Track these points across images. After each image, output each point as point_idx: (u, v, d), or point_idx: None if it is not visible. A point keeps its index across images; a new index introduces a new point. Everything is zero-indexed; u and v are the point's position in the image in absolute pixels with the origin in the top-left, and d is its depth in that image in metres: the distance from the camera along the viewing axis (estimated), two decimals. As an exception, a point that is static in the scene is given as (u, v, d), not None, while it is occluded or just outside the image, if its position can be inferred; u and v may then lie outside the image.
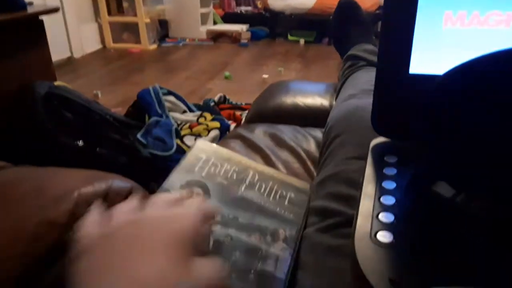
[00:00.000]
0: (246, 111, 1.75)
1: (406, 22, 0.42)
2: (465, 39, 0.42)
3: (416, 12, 0.42)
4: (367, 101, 0.64)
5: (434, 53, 0.43)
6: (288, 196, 0.53)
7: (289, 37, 3.86)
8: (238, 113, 1.95)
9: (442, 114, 0.38)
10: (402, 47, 0.43)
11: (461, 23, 0.42)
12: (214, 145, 0.59)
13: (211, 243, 0.44)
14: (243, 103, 2.14)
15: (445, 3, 0.42)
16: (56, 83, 1.57)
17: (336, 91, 0.95)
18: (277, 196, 0.52)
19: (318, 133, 0.83)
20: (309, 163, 0.72)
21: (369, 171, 0.44)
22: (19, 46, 1.50)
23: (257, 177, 0.54)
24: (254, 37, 3.87)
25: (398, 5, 0.43)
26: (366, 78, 0.81)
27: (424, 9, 0.42)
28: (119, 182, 0.56)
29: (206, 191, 0.51)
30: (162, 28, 3.81)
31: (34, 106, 1.34)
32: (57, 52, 2.76)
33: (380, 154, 0.46)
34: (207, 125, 1.73)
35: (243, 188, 0.52)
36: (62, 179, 0.54)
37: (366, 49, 1.00)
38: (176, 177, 0.52)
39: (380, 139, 0.49)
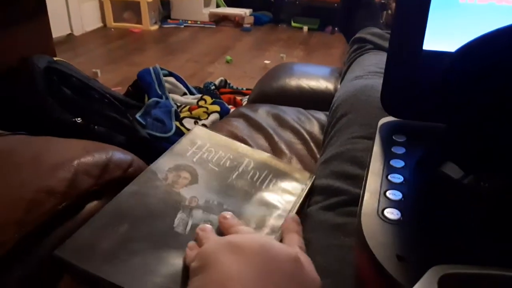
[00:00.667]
0: (247, 96, 1.73)
1: None
2: (482, 15, 0.41)
3: None
4: (375, 81, 0.63)
5: (449, 29, 0.42)
6: (282, 185, 0.52)
7: (293, 24, 3.82)
8: (238, 97, 1.93)
9: (454, 92, 0.37)
10: (416, 21, 0.42)
11: (480, -3, 0.40)
12: (212, 132, 0.58)
13: (189, 227, 0.43)
14: (244, 88, 2.12)
15: (462, -23, 0.40)
16: (56, 59, 1.55)
17: (342, 74, 0.94)
18: (271, 185, 0.51)
19: (322, 116, 0.82)
20: (312, 144, 0.71)
21: (377, 149, 0.43)
22: (19, 19, 1.48)
23: (252, 165, 0.54)
24: (257, 22, 3.82)
25: None
26: (373, 61, 0.79)
27: (441, -17, 0.40)
28: (119, 154, 0.55)
29: (194, 176, 0.51)
30: (164, 9, 3.76)
31: (33, 79, 1.32)
32: (57, 29, 2.71)
33: (388, 133, 0.45)
34: (207, 108, 1.71)
35: (234, 176, 0.51)
36: (61, 148, 0.53)
37: (374, 33, 0.98)
38: (166, 160, 0.52)
39: (389, 118, 0.48)
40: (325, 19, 3.73)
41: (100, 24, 3.44)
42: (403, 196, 0.35)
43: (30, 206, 0.43)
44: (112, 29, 3.39)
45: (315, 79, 0.95)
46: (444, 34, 0.42)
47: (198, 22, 3.74)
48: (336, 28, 3.63)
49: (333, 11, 3.60)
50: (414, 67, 0.44)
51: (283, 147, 0.69)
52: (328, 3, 3.56)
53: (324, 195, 0.48)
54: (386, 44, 0.91)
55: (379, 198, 0.35)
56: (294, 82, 0.95)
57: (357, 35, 1.03)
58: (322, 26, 3.74)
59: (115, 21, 3.44)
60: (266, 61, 2.68)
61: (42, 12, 1.64)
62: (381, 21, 1.28)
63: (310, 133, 0.75)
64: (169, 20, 3.75)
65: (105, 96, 1.53)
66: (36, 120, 1.31)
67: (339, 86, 0.93)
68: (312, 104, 0.89)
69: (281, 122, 0.78)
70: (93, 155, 0.52)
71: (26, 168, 0.48)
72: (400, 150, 0.42)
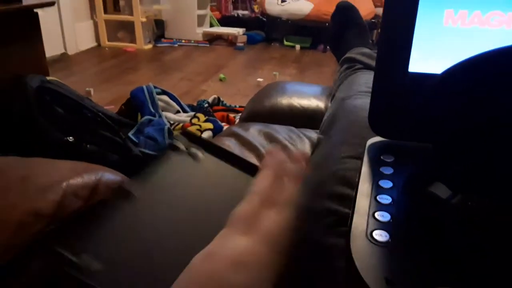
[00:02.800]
0: (240, 114, 1.74)
1: (407, 20, 0.42)
2: (466, 39, 0.42)
3: (417, 10, 0.42)
4: (364, 101, 0.64)
5: (434, 51, 0.43)
6: None
7: (285, 42, 3.87)
8: (231, 115, 1.94)
9: (440, 113, 0.37)
10: (402, 44, 0.43)
11: (462, 22, 0.41)
12: None
13: None
14: (237, 106, 2.13)
15: (446, 1, 0.41)
16: (49, 78, 1.55)
17: (332, 93, 0.95)
18: None
19: (313, 134, 0.83)
20: (303, 163, 0.71)
21: (365, 169, 0.43)
22: (12, 38, 1.48)
23: None
24: (250, 41, 3.87)
25: (399, 2, 0.42)
26: (362, 81, 0.80)
27: (425, 6, 0.42)
28: (109, 175, 0.55)
29: None
30: (158, 28, 3.80)
31: (25, 99, 1.31)
32: (51, 48, 2.73)
33: (376, 153, 0.46)
34: (200, 126, 1.71)
35: None
36: (50, 170, 0.53)
37: (363, 53, 1.00)
38: None
39: (377, 139, 0.49)
40: (317, 37, 3.78)
41: (94, 44, 3.46)
42: (391, 218, 0.34)
43: (17, 229, 0.42)
44: (106, 48, 3.41)
45: (306, 97, 0.96)
46: (429, 57, 0.43)
47: (192, 41, 3.77)
48: (327, 47, 3.68)
49: (324, 29, 3.65)
50: (400, 88, 0.45)
51: (274, 166, 0.69)
52: (320, 22, 3.62)
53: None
54: (375, 63, 0.92)
55: (367, 220, 0.34)
56: (285, 100, 0.95)
57: (347, 55, 1.05)
58: (314, 45, 3.79)
59: (109, 40, 3.46)
60: (259, 79, 2.70)
61: (36, 31, 1.65)
62: (371, 41, 1.30)
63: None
64: (163, 40, 3.78)
65: (97, 115, 1.53)
66: (28, 140, 1.30)
67: (329, 105, 0.94)
68: (303, 122, 0.90)
69: (273, 141, 0.78)
70: (82, 176, 0.51)
71: (14, 190, 0.47)
72: (388, 171, 0.42)
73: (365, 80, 0.80)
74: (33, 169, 0.53)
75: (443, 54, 0.43)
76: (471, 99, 0.34)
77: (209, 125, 1.71)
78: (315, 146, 0.66)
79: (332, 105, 0.78)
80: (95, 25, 3.43)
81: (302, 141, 0.80)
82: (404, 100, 0.44)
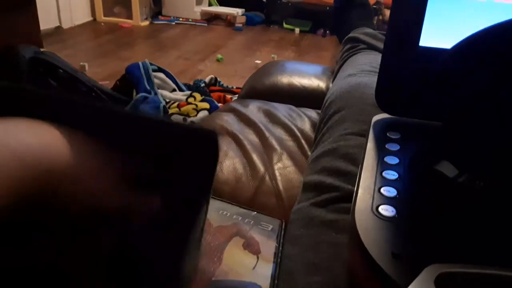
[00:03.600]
0: (237, 95, 1.72)
1: None
2: (480, 12, 0.40)
3: None
4: (369, 79, 0.63)
5: (446, 25, 0.42)
6: None
7: (284, 25, 3.82)
8: (228, 96, 1.92)
9: (450, 89, 0.36)
10: (414, 17, 0.41)
11: (478, -7, 0.40)
12: None
13: None
14: (234, 87, 2.10)
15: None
16: (42, 50, 1.51)
17: (334, 72, 0.93)
18: None
19: (313, 113, 0.81)
20: (303, 141, 0.70)
21: (370, 145, 0.42)
22: (5, 8, 1.44)
23: None
24: (249, 22, 3.81)
25: None
26: (366, 60, 0.79)
27: (441, -24, 0.40)
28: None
29: None
30: (156, 5, 3.73)
31: (17, 69, 1.28)
32: (45, 21, 2.66)
33: (382, 130, 0.45)
34: (196, 105, 1.69)
35: None
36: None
37: (367, 33, 0.98)
38: None
39: (383, 115, 0.48)
40: (317, 21, 3.73)
41: (89, 18, 3.39)
42: (397, 193, 0.34)
43: None
44: (102, 24, 3.35)
45: (307, 77, 0.95)
46: (441, 31, 0.42)
47: (190, 20, 3.71)
48: (327, 31, 3.64)
49: (325, 13, 3.61)
50: (410, 63, 0.44)
51: (274, 143, 0.68)
52: (321, 5, 3.56)
53: (316, 191, 0.47)
54: (379, 44, 0.91)
55: (373, 195, 0.34)
56: (285, 79, 0.94)
57: (350, 34, 1.02)
58: (314, 29, 3.75)
59: (105, 15, 3.39)
60: (257, 61, 2.67)
61: (30, 2, 1.60)
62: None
63: (301, 130, 0.74)
64: (160, 17, 3.71)
65: (92, 89, 1.50)
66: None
67: (331, 85, 0.92)
68: (303, 102, 0.88)
69: (272, 118, 0.76)
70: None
71: None
72: (394, 147, 0.41)
73: (369, 59, 0.78)
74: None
75: (456, 28, 0.42)
76: (483, 73, 0.33)
77: (206, 105, 1.68)
78: (318, 124, 0.64)
79: (334, 83, 0.76)
80: (91, 0, 3.35)
81: (302, 120, 0.78)
82: (413, 75, 0.43)
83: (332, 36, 3.60)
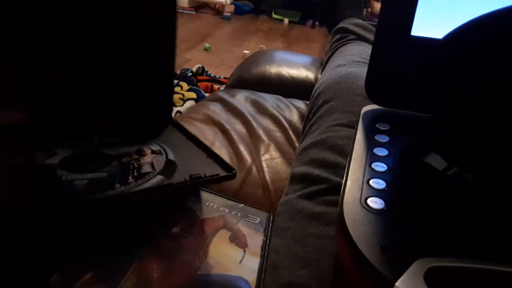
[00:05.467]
0: (224, 85, 1.70)
1: None
2: (474, 3, 0.40)
3: None
4: (359, 70, 0.62)
5: (438, 15, 0.41)
6: None
7: (273, 15, 3.79)
8: (216, 86, 1.90)
9: (441, 80, 0.36)
10: (406, 5, 0.41)
11: (471, -17, 0.39)
12: None
13: None
14: (222, 77, 2.08)
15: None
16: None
17: (323, 63, 0.92)
18: None
19: (302, 104, 0.80)
20: (291, 132, 0.69)
21: (359, 136, 0.42)
22: None
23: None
24: (238, 11, 3.77)
25: None
26: (356, 51, 0.78)
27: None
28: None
29: None
30: (142, -8, 3.65)
31: None
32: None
33: (372, 121, 0.44)
34: (183, 95, 1.67)
35: None
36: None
37: (357, 23, 0.97)
38: None
39: (372, 106, 0.47)
40: (306, 12, 3.71)
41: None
42: (386, 185, 0.34)
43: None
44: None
45: (296, 67, 0.93)
46: (433, 20, 0.41)
47: (177, 7, 3.65)
48: (316, 22, 3.62)
49: (314, 4, 3.58)
50: (401, 53, 0.43)
51: (261, 133, 0.66)
52: (310, -4, 3.55)
53: (303, 183, 0.46)
54: (369, 35, 0.90)
55: (362, 187, 0.33)
56: (274, 69, 0.92)
57: (340, 25, 1.01)
58: (303, 19, 3.73)
59: None
60: (245, 51, 2.65)
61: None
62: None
63: (289, 121, 0.73)
64: (147, 4, 3.65)
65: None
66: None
67: (320, 76, 0.91)
68: (292, 92, 0.87)
69: (260, 108, 0.75)
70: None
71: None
72: (383, 139, 0.41)
73: (359, 50, 0.77)
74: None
75: (448, 18, 0.41)
76: (473, 64, 0.33)
77: (192, 95, 1.66)
78: (306, 115, 0.63)
79: (324, 73, 0.75)
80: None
81: (290, 111, 0.77)
82: (404, 66, 0.42)
83: (321, 28, 3.59)
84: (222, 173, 0.44)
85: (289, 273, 0.37)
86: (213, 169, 0.44)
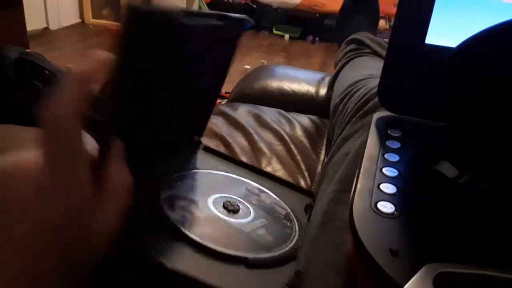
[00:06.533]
0: (226, 100, 1.71)
1: None
2: (489, 12, 0.40)
3: None
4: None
5: (453, 23, 0.41)
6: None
7: (274, 31, 3.84)
8: (218, 100, 1.91)
9: (455, 88, 0.36)
10: (421, 12, 0.41)
11: (489, -7, 0.40)
12: None
13: None
14: (224, 91, 2.09)
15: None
16: (28, 51, 1.49)
17: (336, 70, 0.90)
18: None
19: (304, 118, 0.81)
20: (292, 146, 0.69)
21: (371, 142, 0.42)
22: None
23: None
24: (239, 28, 3.82)
25: None
26: (377, 64, 0.77)
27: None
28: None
29: None
30: (145, 9, 3.71)
31: (3, 70, 1.26)
32: (32, 21, 2.62)
33: (383, 126, 0.44)
34: (185, 109, 1.68)
35: None
36: (24, 135, 0.50)
37: (372, 38, 0.96)
38: None
39: (385, 113, 0.47)
40: (307, 28, 3.76)
41: (78, 20, 3.35)
42: (397, 190, 0.33)
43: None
44: (90, 26, 3.31)
45: (297, 82, 0.94)
46: (447, 29, 0.41)
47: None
48: (317, 38, 3.66)
49: (315, 20, 3.63)
50: (415, 60, 0.43)
51: (263, 146, 0.67)
52: (310, 12, 3.59)
53: (334, 193, 0.46)
54: (383, 52, 0.90)
55: (372, 191, 0.33)
56: (275, 84, 0.93)
57: (355, 36, 1.01)
58: (303, 35, 3.77)
59: (93, 17, 3.36)
60: (247, 66, 2.67)
61: (17, 2, 1.57)
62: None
63: (290, 135, 0.73)
64: (149, 20, 3.69)
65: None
66: (4, 112, 1.24)
67: (321, 90, 0.92)
68: (293, 106, 0.88)
69: (262, 122, 0.76)
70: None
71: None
72: (395, 145, 0.41)
73: (378, 64, 0.77)
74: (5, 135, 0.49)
75: (463, 27, 0.41)
76: (487, 73, 0.33)
77: (194, 109, 1.67)
78: (343, 121, 0.62)
79: (368, 81, 0.73)
80: (80, 1, 3.32)
81: (291, 125, 0.78)
82: (417, 73, 0.43)
83: (321, 43, 3.63)
84: None
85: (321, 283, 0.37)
86: None
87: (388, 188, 0.33)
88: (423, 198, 0.34)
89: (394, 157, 0.38)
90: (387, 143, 0.40)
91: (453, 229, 0.30)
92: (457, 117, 0.36)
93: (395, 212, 0.31)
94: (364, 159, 0.38)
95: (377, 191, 0.33)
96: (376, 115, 0.46)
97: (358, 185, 0.34)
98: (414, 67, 0.42)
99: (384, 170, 0.36)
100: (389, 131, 0.43)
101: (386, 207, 0.31)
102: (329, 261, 0.38)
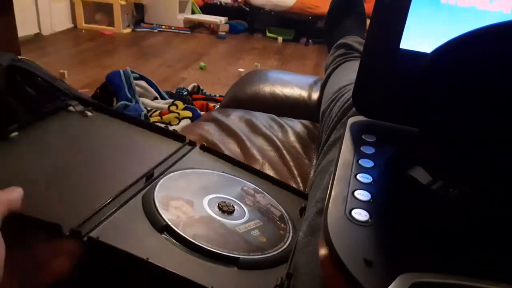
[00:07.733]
0: (219, 104, 1.71)
1: None
2: (462, 18, 0.40)
3: None
4: None
5: (428, 28, 0.41)
6: None
7: (268, 34, 3.84)
8: (211, 104, 1.90)
9: (428, 94, 0.36)
10: (396, 17, 0.41)
11: (460, 0, 0.40)
12: None
13: None
14: (217, 95, 2.09)
15: (447, -25, 0.40)
16: (20, 57, 1.48)
17: (326, 75, 0.91)
18: None
19: (296, 123, 0.81)
20: (284, 152, 0.69)
21: (345, 147, 0.41)
22: (-19, 13, 1.40)
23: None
24: (232, 31, 3.82)
25: None
26: None
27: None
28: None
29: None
30: (138, 13, 3.70)
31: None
32: (24, 27, 2.61)
33: (358, 132, 0.44)
34: (179, 114, 1.67)
35: None
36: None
37: (360, 42, 0.97)
38: None
39: (359, 118, 0.47)
40: (300, 30, 3.77)
41: (70, 25, 3.34)
42: (371, 197, 0.33)
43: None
44: (83, 31, 3.30)
45: (289, 86, 0.94)
46: (422, 34, 0.41)
47: (173, 28, 3.69)
48: (310, 40, 3.67)
49: (308, 22, 3.64)
50: (389, 65, 0.43)
51: (255, 152, 0.67)
52: (303, 15, 3.60)
53: (321, 202, 0.46)
54: None
55: (347, 198, 0.33)
56: (268, 88, 0.93)
57: (344, 40, 1.01)
58: (297, 37, 3.78)
59: (86, 22, 3.35)
60: (241, 69, 2.67)
61: (8, 8, 1.56)
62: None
63: (282, 141, 0.73)
64: (142, 24, 3.69)
65: (71, 98, 1.46)
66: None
67: (314, 94, 0.92)
68: (285, 111, 0.88)
69: (254, 128, 0.76)
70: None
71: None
72: (369, 150, 0.41)
73: None
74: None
75: (437, 33, 0.41)
76: (461, 79, 0.33)
77: (188, 113, 1.67)
78: (332, 125, 0.62)
79: (327, 91, 0.73)
80: (72, 6, 3.31)
81: (283, 130, 0.78)
82: (392, 79, 0.42)
83: (314, 45, 3.64)
84: None
85: None
86: None
87: (362, 195, 0.33)
88: (397, 205, 0.33)
89: (368, 163, 0.38)
90: (361, 148, 0.40)
91: (427, 236, 0.29)
92: (429, 122, 0.36)
93: (370, 220, 0.30)
94: (338, 165, 0.37)
95: (351, 198, 0.33)
96: (351, 120, 0.46)
97: (333, 192, 0.33)
98: (388, 72, 0.42)
99: (358, 176, 0.35)
100: (363, 137, 0.42)
101: (361, 214, 0.31)
102: (313, 271, 0.38)
